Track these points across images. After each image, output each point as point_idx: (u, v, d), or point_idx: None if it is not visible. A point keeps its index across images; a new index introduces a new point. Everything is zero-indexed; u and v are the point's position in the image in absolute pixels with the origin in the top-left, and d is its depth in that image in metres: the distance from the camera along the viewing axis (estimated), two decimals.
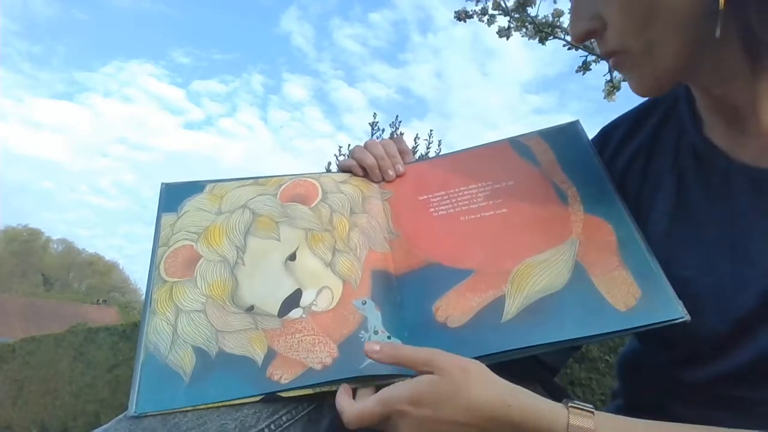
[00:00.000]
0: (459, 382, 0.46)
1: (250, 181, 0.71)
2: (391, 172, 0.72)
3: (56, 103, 66.77)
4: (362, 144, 0.75)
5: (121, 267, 43.26)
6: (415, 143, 8.29)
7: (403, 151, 0.77)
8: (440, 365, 0.47)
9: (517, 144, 0.71)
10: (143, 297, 0.65)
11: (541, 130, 0.72)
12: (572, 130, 0.71)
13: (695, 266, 0.56)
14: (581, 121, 0.72)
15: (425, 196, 0.69)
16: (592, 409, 0.47)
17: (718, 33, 0.46)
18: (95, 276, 41.08)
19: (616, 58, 0.53)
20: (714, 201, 0.56)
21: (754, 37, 0.47)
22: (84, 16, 67.91)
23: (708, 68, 0.52)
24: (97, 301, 31.14)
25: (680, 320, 0.52)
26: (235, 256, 0.63)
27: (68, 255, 41.71)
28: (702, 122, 0.59)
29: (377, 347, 0.51)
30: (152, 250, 0.65)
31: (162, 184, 0.71)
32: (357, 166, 0.73)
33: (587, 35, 0.53)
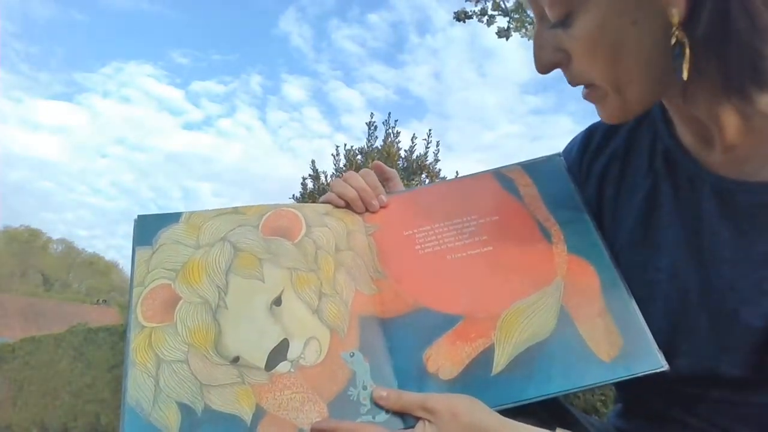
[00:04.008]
0: (449, 423, 0.50)
1: (230, 209, 0.68)
2: (375, 203, 0.70)
3: (55, 103, 66.84)
4: (361, 164, 0.74)
5: (121, 267, 43.09)
6: (413, 143, 8.28)
7: (388, 178, 0.76)
8: (432, 407, 0.51)
9: (500, 176, 0.71)
10: None
11: (523, 162, 0.72)
12: (554, 164, 0.71)
13: (664, 269, 0.57)
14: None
15: (410, 231, 0.68)
16: None
17: (685, 75, 0.47)
18: (95, 276, 41.08)
19: (586, 91, 0.54)
20: (681, 205, 0.58)
21: (726, 75, 0.47)
22: (82, 16, 67.97)
23: (676, 90, 0.53)
24: (97, 301, 31.13)
25: (660, 370, 0.54)
26: (216, 297, 0.60)
27: (68, 255, 41.71)
28: (673, 125, 0.60)
29: (384, 393, 0.54)
30: (129, 290, 0.60)
31: (137, 216, 0.67)
32: (337, 199, 0.71)
33: (552, 66, 0.54)
